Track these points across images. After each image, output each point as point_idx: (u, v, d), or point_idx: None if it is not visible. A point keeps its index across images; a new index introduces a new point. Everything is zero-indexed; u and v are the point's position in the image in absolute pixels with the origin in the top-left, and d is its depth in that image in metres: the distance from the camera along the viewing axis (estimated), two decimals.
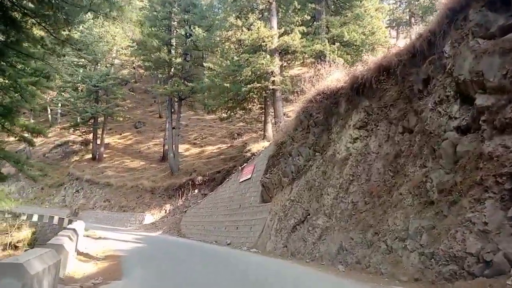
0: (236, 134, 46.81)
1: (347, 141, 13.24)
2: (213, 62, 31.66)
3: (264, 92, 29.42)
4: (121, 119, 52.19)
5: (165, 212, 35.89)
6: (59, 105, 57.43)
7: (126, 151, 51.73)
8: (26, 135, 24.13)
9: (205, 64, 31.72)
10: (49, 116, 64.68)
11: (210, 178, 34.79)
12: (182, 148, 46.64)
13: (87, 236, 19.43)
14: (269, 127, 31.52)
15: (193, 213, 28.45)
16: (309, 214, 13.79)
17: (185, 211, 30.38)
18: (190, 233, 26.71)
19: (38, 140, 63.51)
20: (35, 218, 35.66)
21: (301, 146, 15.59)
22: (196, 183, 35.35)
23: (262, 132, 33.94)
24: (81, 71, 49.46)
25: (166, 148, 45.03)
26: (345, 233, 11.53)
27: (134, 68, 71.86)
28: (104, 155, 50.67)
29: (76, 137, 56.60)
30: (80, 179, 47.10)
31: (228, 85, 29.59)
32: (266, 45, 27.79)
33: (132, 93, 58.62)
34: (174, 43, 40.69)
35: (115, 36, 51.08)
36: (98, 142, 50.61)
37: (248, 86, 27.81)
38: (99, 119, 49.77)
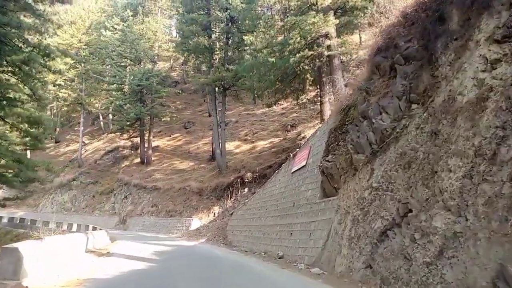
0: (289, 126, 40.68)
1: (478, 69, 6.76)
2: (255, 36, 25.83)
3: (318, 60, 23.08)
4: (168, 119, 47.92)
5: (214, 216, 30.56)
6: (110, 109, 54.35)
7: (175, 152, 47.34)
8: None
9: (245, 38, 26.00)
10: (101, 123, 62.29)
11: (260, 174, 28.98)
12: (232, 145, 41.36)
13: (93, 251, 14.27)
14: (327, 108, 25.07)
15: (240, 216, 22.70)
16: (410, 210, 7.41)
17: (231, 214, 24.72)
18: (237, 241, 20.95)
19: (90, 148, 61.51)
20: (74, 227, 31.79)
21: (384, 99, 9.19)
22: (245, 180, 29.69)
23: (320, 116, 27.56)
24: (123, 71, 45.76)
25: (214, 146, 39.98)
26: (505, 245, 5.14)
27: (183, 70, 68.43)
28: (153, 158, 46.61)
29: (126, 142, 53.34)
30: (128, 184, 43.28)
31: (273, 60, 23.70)
32: (317, 2, 21.52)
33: (179, 91, 54.23)
34: (214, 28, 35.51)
35: (156, 31, 47.09)
36: (146, 145, 46.62)
37: (298, 55, 21.66)
38: (145, 120, 45.74)
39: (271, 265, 12.43)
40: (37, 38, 17.27)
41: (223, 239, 22.86)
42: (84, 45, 52.58)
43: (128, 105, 43.86)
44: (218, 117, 36.30)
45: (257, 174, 29.19)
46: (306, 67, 23.84)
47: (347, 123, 12.05)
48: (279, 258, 14.07)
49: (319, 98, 28.67)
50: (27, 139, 31.87)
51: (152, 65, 46.28)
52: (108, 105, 49.82)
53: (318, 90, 26.77)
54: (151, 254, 14.09)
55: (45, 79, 19.97)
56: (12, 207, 53.58)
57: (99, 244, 16.47)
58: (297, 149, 18.49)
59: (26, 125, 17.65)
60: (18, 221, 42.15)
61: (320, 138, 14.94)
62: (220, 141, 35.41)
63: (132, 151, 51.66)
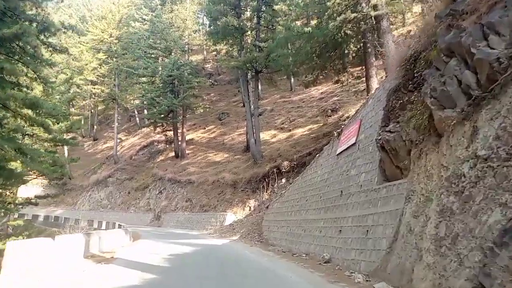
0: (330, 111, 36.79)
1: None
2: (288, 3, 22.32)
3: (363, 23, 19.32)
4: (201, 110, 45.39)
5: (249, 210, 27.50)
6: (144, 102, 52.56)
7: (210, 144, 44.69)
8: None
9: (276, 8, 22.63)
10: (137, 119, 60.78)
11: (298, 162, 25.56)
12: (268, 134, 38.14)
13: (94, 256, 11.48)
14: (374, 82, 21.26)
15: (276, 209, 19.38)
16: None
17: (266, 208, 21.45)
18: (273, 238, 17.69)
19: (126, 144, 60.20)
20: (103, 225, 29.75)
21: (492, 13, 5.58)
22: (282, 170, 26.37)
23: (366, 94, 23.73)
24: (154, 63, 43.54)
25: (248, 136, 37.00)
26: None
27: (217, 61, 65.93)
28: (187, 151, 44.18)
29: (161, 136, 51.44)
30: (162, 179, 41.12)
31: (309, 29, 20.24)
32: None
33: (211, 81, 51.50)
34: (243, 6, 32.29)
35: (185, 19, 44.56)
36: (180, 138, 44.28)
37: (338, 18, 18.04)
38: (177, 112, 43.33)
39: (316, 275, 9.04)
40: (36, 10, 14.73)
41: (258, 236, 19.68)
42: (115, 39, 50.93)
43: (160, 97, 41.55)
44: (251, 104, 33.11)
45: (295, 163, 25.79)
46: (349, 32, 20.08)
47: (416, 75, 8.46)
48: (325, 262, 10.69)
49: (363, 75, 24.98)
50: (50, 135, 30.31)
51: (183, 55, 43.76)
52: (141, 99, 47.85)
53: (363, 62, 22.93)
54: (164, 259, 11.09)
55: (51, 59, 17.44)
56: (52, 205, 53.11)
57: (109, 246, 13.76)
58: (342, 126, 14.95)
59: (30, 112, 15.13)
60: (52, 220, 41.03)
61: (375, 106, 11.37)
62: (254, 129, 32.24)
63: (167, 145, 49.61)
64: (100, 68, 50.44)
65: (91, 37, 50.25)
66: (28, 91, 16.42)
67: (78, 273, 8.82)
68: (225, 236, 22.07)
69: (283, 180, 25.95)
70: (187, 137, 46.73)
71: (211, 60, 68.24)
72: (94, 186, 49.97)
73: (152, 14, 43.38)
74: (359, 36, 21.03)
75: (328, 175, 13.67)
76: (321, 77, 26.74)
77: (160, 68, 41.74)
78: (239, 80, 35.68)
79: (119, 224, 24.75)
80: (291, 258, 12.29)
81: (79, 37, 53.43)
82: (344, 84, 28.61)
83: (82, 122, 73.11)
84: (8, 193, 30.33)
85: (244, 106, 50.25)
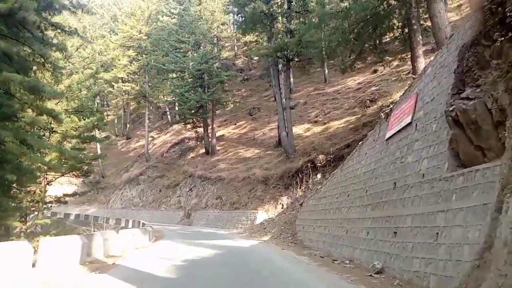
0: (368, 101, 34.01)
1: None
2: None
3: None
4: (231, 105, 43.51)
5: (281, 207, 25.23)
6: (174, 98, 51.31)
7: (241, 140, 42.72)
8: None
9: None
10: (168, 116, 59.74)
11: (336, 156, 23.04)
12: (301, 128, 35.71)
13: (93, 262, 9.55)
14: (421, 63, 18.50)
15: (311, 206, 16.98)
16: None
17: (300, 205, 19.07)
18: (309, 240, 15.35)
19: (157, 142, 59.28)
20: (130, 224, 28.33)
21: None
22: (317, 164, 23.91)
23: (412, 77, 20.91)
24: (183, 57, 42.00)
25: (280, 130, 34.81)
26: None
27: (247, 56, 64.01)
28: (218, 148, 42.42)
29: (191, 133, 50.01)
30: (192, 176, 39.55)
31: (346, 4, 17.79)
32: None
33: (241, 74, 49.54)
34: None
35: (214, 11, 42.77)
36: (210, 134, 42.57)
37: None
38: (207, 107, 41.60)
39: None
40: None
41: (291, 236, 17.40)
42: (145, 35, 49.91)
43: (189, 92, 39.95)
44: (282, 95, 30.79)
45: (331, 156, 23.26)
46: (393, 2, 17.40)
47: (509, 16, 5.95)
48: (377, 272, 8.29)
49: (405, 59, 22.17)
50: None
51: (212, 48, 42.01)
52: (170, 94, 46.53)
53: (407, 39, 20.12)
54: (174, 268, 9.02)
55: (61, 43, 15.82)
56: (85, 204, 52.86)
57: (119, 248, 11.88)
58: (391, 106, 12.42)
59: (31, 97, 13.47)
60: (83, 218, 40.30)
61: (436, 74, 8.83)
62: (285, 122, 29.92)
63: (198, 142, 48.09)
64: (131, 65, 49.55)
65: (122, 35, 49.50)
66: (33, 75, 14.85)
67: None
68: (255, 236, 19.92)
69: (318, 176, 23.52)
70: (218, 134, 45.02)
71: (241, 56, 66.43)
72: (126, 184, 49.19)
73: (180, 8, 41.93)
74: (403, 10, 18.29)
75: (375, 164, 11.19)
76: (359, 62, 24.06)
77: (189, 63, 40.13)
78: (270, 69, 33.33)
79: (142, 223, 23.11)
80: (332, 266, 9.92)
81: (111, 36, 52.89)
82: (385, 68, 25.72)
83: (116, 121, 73.42)
84: (38, 191, 29.53)
85: (275, 100, 48.16)
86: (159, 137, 58.21)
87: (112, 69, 48.30)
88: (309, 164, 24.30)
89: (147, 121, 50.79)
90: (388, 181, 9.75)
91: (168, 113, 60.75)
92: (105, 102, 80.00)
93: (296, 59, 29.99)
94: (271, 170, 29.28)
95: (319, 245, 13.72)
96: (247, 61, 63.72)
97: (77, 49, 31.90)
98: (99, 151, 54.61)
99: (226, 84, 41.94)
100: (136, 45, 50.36)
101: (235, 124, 48.02)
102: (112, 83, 48.95)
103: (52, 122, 29.90)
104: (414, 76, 16.84)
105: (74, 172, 30.64)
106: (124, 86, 48.77)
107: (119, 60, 48.59)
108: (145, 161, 50.44)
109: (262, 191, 28.24)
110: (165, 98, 52.27)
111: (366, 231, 10.16)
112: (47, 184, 30.81)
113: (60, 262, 8.18)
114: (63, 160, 29.13)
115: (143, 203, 45.25)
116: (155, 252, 12.25)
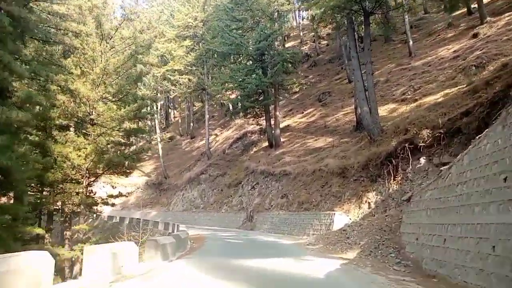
0: (474, 68, 25.53)
1: None
2: None
3: None
4: (296, 89, 36.83)
5: (369, 207, 17.97)
6: (232, 85, 45.86)
7: (309, 129, 35.81)
8: None
9: None
10: (231, 111, 54.45)
11: (447, 130, 15.34)
12: (385, 110, 27.93)
13: None
14: None
15: (432, 201, 9.57)
16: None
17: (407, 201, 11.64)
18: (435, 261, 8.16)
19: (220, 138, 54.19)
20: (170, 228, 22.83)
21: None
22: (419, 144, 16.30)
23: None
24: (240, 38, 36.19)
25: (359, 112, 27.48)
26: None
27: (314, 41, 57.11)
28: (282, 139, 35.93)
29: (254, 126, 44.10)
30: (254, 172, 33.46)
31: None
32: None
33: (309, 56, 42.55)
34: None
35: None
36: (273, 123, 36.24)
37: None
38: (268, 93, 35.31)
39: None
40: None
41: (395, 253, 10.28)
42: (201, 22, 45.07)
43: (247, 76, 33.97)
44: (360, 62, 23.43)
45: (440, 132, 15.58)
46: None
47: None
48: None
49: None
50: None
51: (272, 24, 35.68)
52: (229, 82, 40.98)
53: None
54: None
55: None
56: (148, 207, 49.23)
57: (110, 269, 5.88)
58: None
59: None
60: (133, 223, 35.95)
61: None
62: (368, 97, 22.55)
63: (261, 136, 42.01)
64: (187, 56, 44.95)
65: (177, 23, 45.23)
66: None
67: None
68: (332, 250, 13.02)
69: (422, 160, 15.95)
70: (282, 124, 38.55)
71: (308, 42, 59.62)
72: (187, 184, 44.54)
73: None
74: None
75: None
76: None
77: (247, 42, 34.22)
78: (346, 24, 25.83)
79: (177, 226, 17.27)
80: None
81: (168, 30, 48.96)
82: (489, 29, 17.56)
83: (180, 121, 70.20)
84: (77, 191, 25.25)
85: (349, 82, 40.49)
86: (221, 133, 53.18)
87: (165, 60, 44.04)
88: (406, 146, 16.80)
89: (207, 116, 45.79)
90: None
91: (231, 109, 55.54)
92: (171, 104, 77.49)
93: (377, 12, 22.47)
94: (349, 158, 22.09)
95: (460, 273, 6.59)
96: (314, 46, 56.82)
97: (117, 29, 27.25)
98: (160, 152, 50.89)
99: (290, 65, 35.26)
100: (192, 34, 45.72)
101: (302, 112, 41.17)
102: (168, 75, 44.68)
103: (93, 112, 25.69)
104: None
105: (114, 170, 25.99)
106: (181, 78, 44.18)
107: (174, 51, 44.22)
108: (206, 159, 45.46)
109: (338, 186, 21.15)
110: (225, 90, 47.05)
111: None
112: (88, 185, 26.51)
113: None
114: (101, 156, 24.58)
115: (204, 204, 40.11)
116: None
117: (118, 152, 26.69)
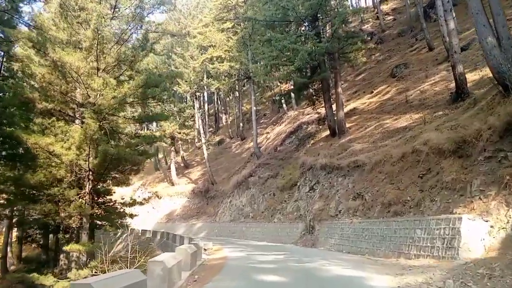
0: None
1: None
2: None
3: None
4: (363, 59, 28.01)
5: None
6: (275, 54, 37.80)
7: (384, 108, 26.72)
8: None
9: None
10: (284, 106, 46.36)
11: None
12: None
13: None
14: None
15: None
16: None
17: None
18: None
19: (271, 135, 46.24)
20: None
21: None
22: None
23: None
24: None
25: (456, 70, 18.37)
26: None
27: (377, 18, 47.97)
28: (348, 125, 27.25)
29: (310, 115, 35.77)
30: (313, 169, 24.96)
31: None
32: None
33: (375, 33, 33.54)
34: None
35: None
36: (334, 106, 27.65)
37: None
38: (325, 64, 26.87)
39: None
40: None
41: None
42: (242, 1, 38.01)
43: (297, 44, 25.84)
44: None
45: None
46: None
47: None
48: None
49: None
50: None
51: None
52: (271, 54, 33.05)
53: None
54: None
55: None
56: (194, 218, 42.44)
57: None
58: None
59: None
60: (164, 238, 28.92)
61: None
62: (496, 20, 13.44)
63: (320, 126, 33.56)
64: (228, 41, 37.96)
65: (214, 4, 38.64)
66: None
67: None
68: None
69: None
70: (347, 109, 29.91)
71: (370, 20, 50.37)
72: (234, 189, 37.07)
73: None
74: None
75: None
76: None
77: (297, 5, 26.24)
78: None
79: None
80: None
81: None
82: None
83: (229, 122, 63.62)
84: (76, 198, 18.63)
85: (430, 49, 30.93)
86: (273, 131, 45.32)
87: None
88: None
89: (254, 108, 38.13)
90: None
91: (284, 103, 47.51)
92: (223, 108, 71.14)
93: None
94: (467, 128, 13.06)
95: None
96: (377, 24, 47.58)
97: None
98: (205, 155, 44.11)
99: (352, 29, 26.60)
100: (232, 16, 38.75)
101: (371, 92, 32.07)
102: (207, 64, 37.94)
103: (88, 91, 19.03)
104: None
105: (119, 168, 19.06)
106: (222, 66, 37.06)
107: (213, 36, 37.45)
108: (256, 159, 37.78)
109: (456, 171, 12.17)
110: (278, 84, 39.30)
111: None
112: (93, 190, 19.79)
113: None
114: (106, 150, 17.69)
115: (254, 212, 32.30)
116: None
117: (128, 148, 19.75)
